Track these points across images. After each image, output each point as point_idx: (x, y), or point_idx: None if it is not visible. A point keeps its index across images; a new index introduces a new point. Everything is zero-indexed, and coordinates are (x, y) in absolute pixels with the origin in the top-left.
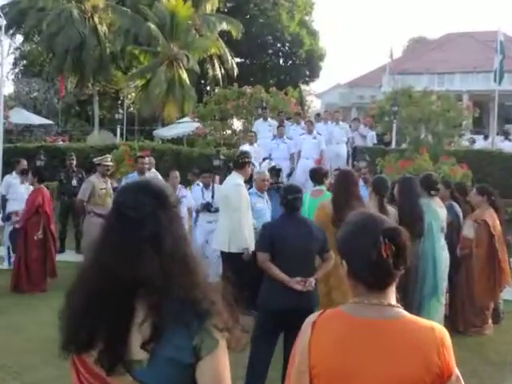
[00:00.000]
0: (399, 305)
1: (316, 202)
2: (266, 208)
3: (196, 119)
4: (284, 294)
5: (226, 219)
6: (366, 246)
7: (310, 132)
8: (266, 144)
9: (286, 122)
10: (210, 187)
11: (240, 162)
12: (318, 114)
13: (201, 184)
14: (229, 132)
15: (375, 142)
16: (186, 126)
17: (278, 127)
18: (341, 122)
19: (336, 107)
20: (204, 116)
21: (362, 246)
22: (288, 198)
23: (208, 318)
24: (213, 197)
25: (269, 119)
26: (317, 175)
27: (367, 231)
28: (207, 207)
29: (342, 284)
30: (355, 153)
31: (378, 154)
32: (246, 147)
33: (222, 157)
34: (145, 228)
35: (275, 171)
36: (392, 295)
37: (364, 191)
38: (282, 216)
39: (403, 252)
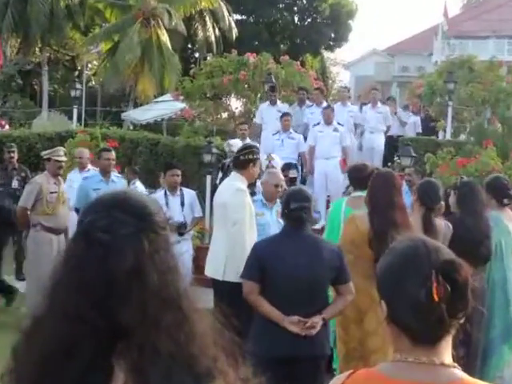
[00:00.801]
0: (455, 364)
1: None
2: (271, 224)
3: (180, 98)
4: (278, 336)
5: (221, 236)
6: (413, 284)
7: (328, 122)
8: (267, 140)
9: (307, 103)
10: (178, 192)
11: (242, 160)
12: (345, 89)
13: (164, 187)
14: (225, 116)
15: (419, 130)
16: (167, 107)
17: (283, 116)
18: (379, 104)
19: (371, 82)
20: (191, 94)
21: (407, 285)
22: (290, 207)
23: (209, 381)
24: (182, 205)
25: (278, 102)
26: (357, 176)
27: (415, 265)
28: (180, 230)
29: (381, 328)
30: (393, 145)
31: (426, 148)
32: (235, 142)
33: (214, 150)
34: (123, 258)
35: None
36: (446, 351)
37: (408, 198)
38: (280, 233)
39: (462, 294)
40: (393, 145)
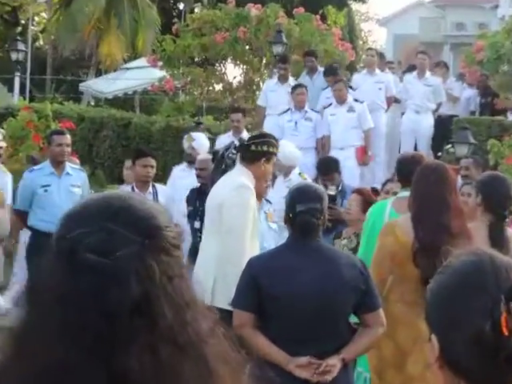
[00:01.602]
0: None
1: None
2: (262, 231)
3: (159, 64)
4: (283, 380)
5: (211, 247)
6: (476, 313)
7: (340, 101)
8: (272, 123)
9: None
10: (150, 189)
11: (253, 151)
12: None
13: (130, 183)
14: (218, 88)
15: (472, 108)
16: (141, 76)
17: (296, 88)
18: (428, 74)
19: (414, 43)
20: (174, 58)
21: (467, 314)
22: (296, 210)
23: None
24: None
25: (291, 79)
26: (406, 170)
27: (479, 288)
28: None
29: (430, 373)
30: (442, 128)
31: (489, 133)
32: (224, 139)
33: (205, 134)
34: (125, 289)
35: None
36: None
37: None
38: (284, 245)
39: None
40: (442, 128)
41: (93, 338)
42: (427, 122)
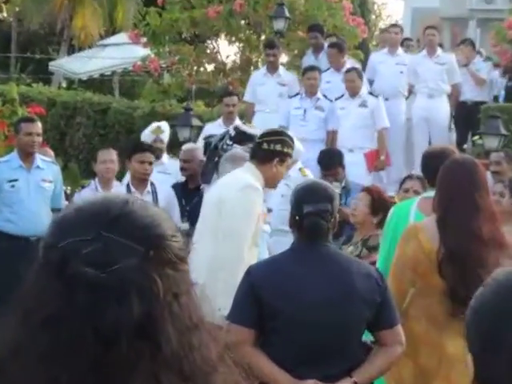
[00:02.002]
0: None
1: None
2: (262, 234)
3: (142, 41)
4: None
5: (206, 249)
6: None
7: (352, 93)
8: (262, 120)
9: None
10: (149, 188)
11: (265, 150)
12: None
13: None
14: (210, 68)
15: (500, 92)
16: (121, 55)
17: (307, 71)
18: (439, 51)
19: (435, 19)
20: (159, 34)
21: (511, 336)
22: (303, 211)
23: None
24: None
25: (281, 69)
26: (433, 165)
27: None
28: None
29: None
30: (467, 117)
31: None
32: (213, 128)
33: (195, 121)
34: (125, 308)
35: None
36: None
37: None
38: (289, 251)
39: None
40: (467, 116)
41: (87, 365)
42: (443, 108)
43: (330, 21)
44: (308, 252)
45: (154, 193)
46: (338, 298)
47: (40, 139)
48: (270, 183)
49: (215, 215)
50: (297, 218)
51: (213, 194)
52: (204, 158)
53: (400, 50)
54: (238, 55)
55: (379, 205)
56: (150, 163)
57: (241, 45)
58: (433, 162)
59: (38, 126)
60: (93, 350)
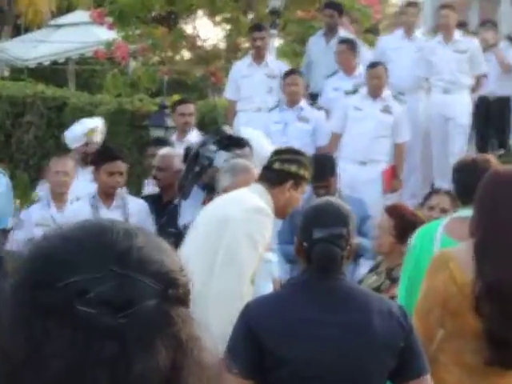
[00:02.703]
0: None
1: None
2: (265, 265)
3: (107, 21)
4: None
5: (197, 274)
6: None
7: (374, 93)
8: (247, 121)
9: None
10: (119, 202)
11: (278, 170)
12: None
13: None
14: (188, 55)
15: None
16: (76, 37)
17: (288, 76)
18: (457, 35)
19: None
20: (128, 13)
21: None
22: (313, 237)
23: None
24: None
25: (269, 59)
26: (467, 180)
27: None
28: None
29: None
30: (499, 113)
31: None
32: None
33: (170, 121)
34: (150, 357)
35: None
36: None
37: None
38: (295, 286)
39: None
40: (488, 115)
41: None
42: (463, 106)
43: None
44: (318, 286)
45: (125, 207)
46: (354, 345)
47: None
48: (281, 211)
49: (214, 236)
50: (305, 244)
51: (214, 211)
52: (182, 168)
53: (419, 34)
54: (224, 40)
55: (405, 229)
56: (121, 173)
57: (227, 27)
58: (466, 175)
59: None
60: None
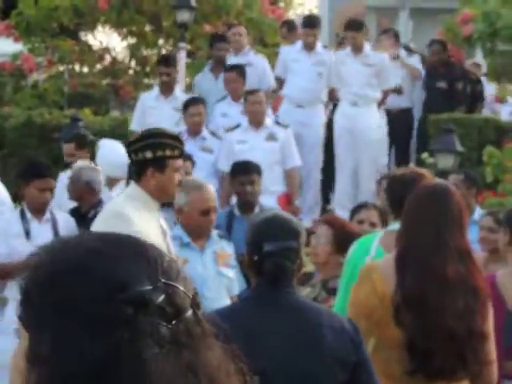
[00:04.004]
0: None
1: None
2: (208, 279)
3: (14, 33)
4: None
5: None
6: None
7: (256, 122)
8: None
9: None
10: (48, 216)
11: (135, 162)
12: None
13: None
14: (95, 69)
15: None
16: None
17: (189, 105)
18: (366, 48)
19: (359, 8)
20: (34, 26)
21: None
22: (264, 249)
23: None
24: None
25: (177, 89)
26: (399, 193)
27: None
28: None
29: None
30: (395, 129)
31: (482, 136)
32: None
33: (86, 133)
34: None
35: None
36: None
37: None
38: (246, 300)
39: None
40: (393, 128)
41: None
42: (370, 119)
43: (246, 13)
44: (270, 300)
45: (54, 222)
46: (306, 358)
47: None
48: (161, 197)
49: None
50: (255, 258)
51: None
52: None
53: (319, 47)
54: (129, 51)
55: (344, 240)
56: (51, 190)
57: (133, 40)
58: (395, 189)
59: None
60: None
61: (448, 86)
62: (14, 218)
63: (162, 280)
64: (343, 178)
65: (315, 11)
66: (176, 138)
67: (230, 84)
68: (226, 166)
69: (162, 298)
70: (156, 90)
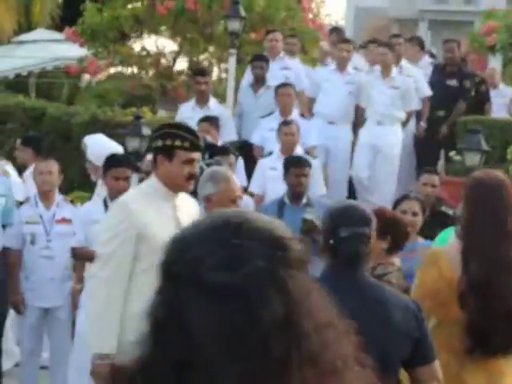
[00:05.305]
0: None
1: None
2: None
3: (80, 39)
4: None
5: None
6: None
7: (287, 149)
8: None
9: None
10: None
11: (154, 151)
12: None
13: (102, 193)
14: (153, 72)
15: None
16: (37, 52)
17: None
18: (393, 71)
19: (383, 20)
20: (98, 33)
21: None
22: (340, 235)
23: None
24: None
25: (212, 102)
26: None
27: None
28: None
29: None
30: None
31: (504, 136)
32: (186, 111)
33: (145, 130)
34: (267, 309)
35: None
36: None
37: None
38: (322, 278)
39: None
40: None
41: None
42: (393, 138)
43: (289, 22)
44: (344, 281)
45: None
46: (376, 335)
47: None
48: (170, 186)
49: None
50: (331, 242)
51: None
52: None
53: (350, 68)
54: (183, 57)
55: (388, 226)
56: (126, 178)
57: (187, 46)
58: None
59: None
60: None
61: (459, 83)
62: (95, 206)
63: (229, 240)
64: (360, 189)
65: (341, 22)
66: (190, 131)
67: (283, 98)
68: (256, 189)
69: (222, 254)
70: (192, 102)
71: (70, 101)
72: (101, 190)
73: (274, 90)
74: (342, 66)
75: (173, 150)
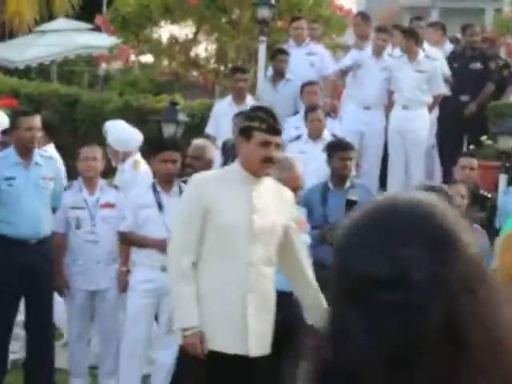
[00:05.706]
0: None
1: None
2: None
3: (110, 28)
4: None
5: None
6: None
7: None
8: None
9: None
10: (176, 189)
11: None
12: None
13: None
14: (181, 59)
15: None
16: (60, 41)
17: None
18: (421, 54)
19: (394, 7)
20: (128, 21)
21: None
22: None
23: None
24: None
25: (249, 98)
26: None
27: None
28: None
29: None
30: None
31: None
32: (221, 108)
33: (181, 116)
34: (429, 322)
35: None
36: None
37: None
38: None
39: None
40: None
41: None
42: (419, 122)
43: (317, 10)
44: None
45: (181, 194)
46: None
47: (40, 134)
48: (248, 168)
49: None
50: None
51: None
52: (214, 158)
53: (386, 54)
54: (214, 46)
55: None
56: (174, 161)
57: (215, 34)
58: None
59: (38, 120)
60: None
61: (483, 66)
62: (146, 190)
63: (390, 251)
64: (395, 177)
65: (353, 9)
66: (270, 114)
67: (312, 96)
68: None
69: (385, 267)
70: (229, 98)
71: (89, 89)
72: (121, 176)
73: (300, 87)
74: (378, 52)
75: (251, 131)
